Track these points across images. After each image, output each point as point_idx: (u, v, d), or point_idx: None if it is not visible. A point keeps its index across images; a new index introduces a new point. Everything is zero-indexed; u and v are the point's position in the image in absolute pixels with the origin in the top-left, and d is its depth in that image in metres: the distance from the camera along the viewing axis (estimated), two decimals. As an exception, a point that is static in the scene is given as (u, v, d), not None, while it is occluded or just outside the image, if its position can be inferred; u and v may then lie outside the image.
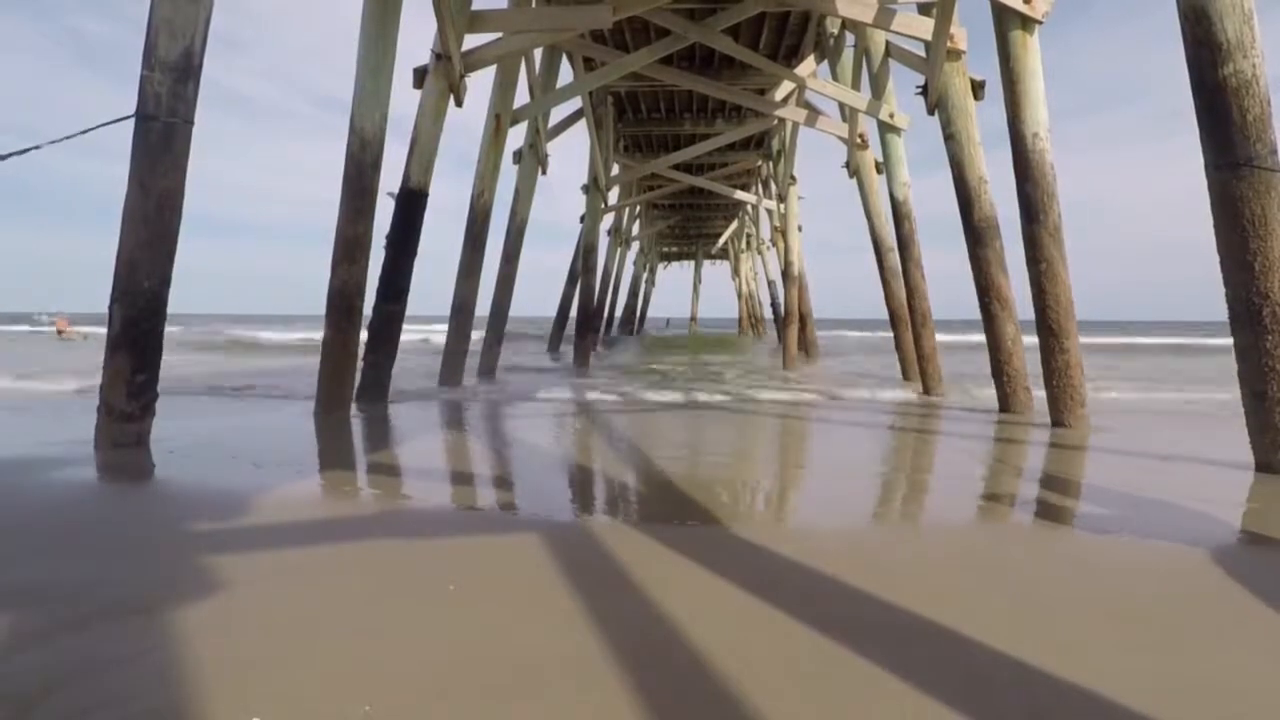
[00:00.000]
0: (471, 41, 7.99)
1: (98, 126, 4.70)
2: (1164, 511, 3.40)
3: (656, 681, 1.75)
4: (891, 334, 10.65)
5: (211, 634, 1.99)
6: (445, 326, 9.72)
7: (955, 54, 7.08)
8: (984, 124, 7.16)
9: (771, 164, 17.82)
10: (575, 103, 12.42)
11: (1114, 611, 2.22)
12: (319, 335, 6.89)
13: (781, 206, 16.06)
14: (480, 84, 9.07)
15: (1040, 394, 6.34)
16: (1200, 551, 2.80)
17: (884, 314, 10.53)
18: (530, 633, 2.04)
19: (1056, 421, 5.95)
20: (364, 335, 7.08)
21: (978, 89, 7.15)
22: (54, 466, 4.19)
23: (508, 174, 10.79)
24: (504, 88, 9.36)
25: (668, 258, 42.82)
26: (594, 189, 13.77)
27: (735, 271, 37.88)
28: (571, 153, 14.74)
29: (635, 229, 26.79)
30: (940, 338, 9.64)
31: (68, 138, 4.66)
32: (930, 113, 7.41)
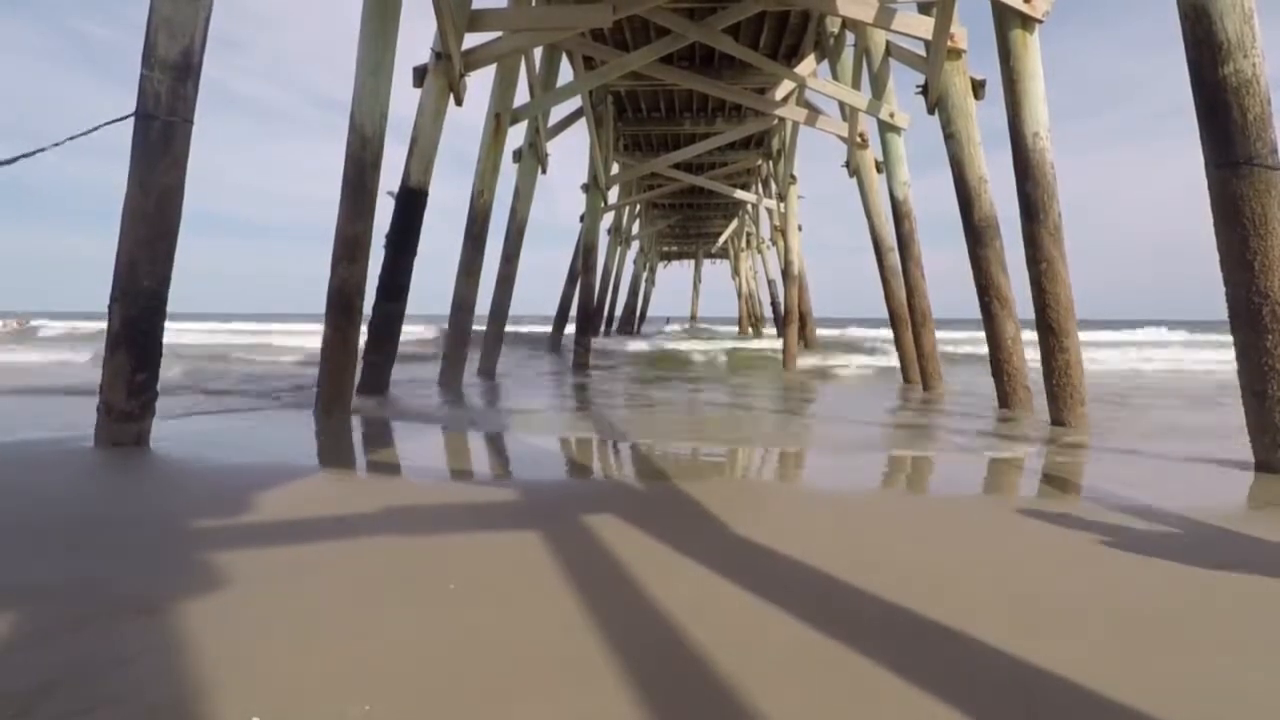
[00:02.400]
0: (471, 41, 8.00)
1: (99, 126, 4.70)
2: (1161, 510, 3.40)
3: (655, 676, 1.75)
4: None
5: (212, 632, 1.99)
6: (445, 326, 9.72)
7: (955, 53, 7.08)
8: (984, 123, 7.17)
9: (771, 163, 17.82)
10: (575, 102, 12.42)
11: (1112, 609, 2.22)
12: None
13: (781, 206, 16.06)
14: (480, 83, 9.08)
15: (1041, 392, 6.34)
16: (1197, 550, 2.80)
17: (885, 313, 10.54)
18: (530, 629, 2.04)
19: (1056, 420, 5.95)
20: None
21: (978, 88, 7.16)
22: (54, 465, 4.19)
23: (508, 173, 10.81)
24: (504, 86, 9.36)
25: (668, 257, 42.82)
26: (594, 188, 13.77)
27: (735, 270, 37.87)
28: (572, 152, 14.75)
29: (635, 228, 26.78)
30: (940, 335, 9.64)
31: (71, 139, 4.66)
32: (930, 112, 7.41)
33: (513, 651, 1.92)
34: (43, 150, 4.56)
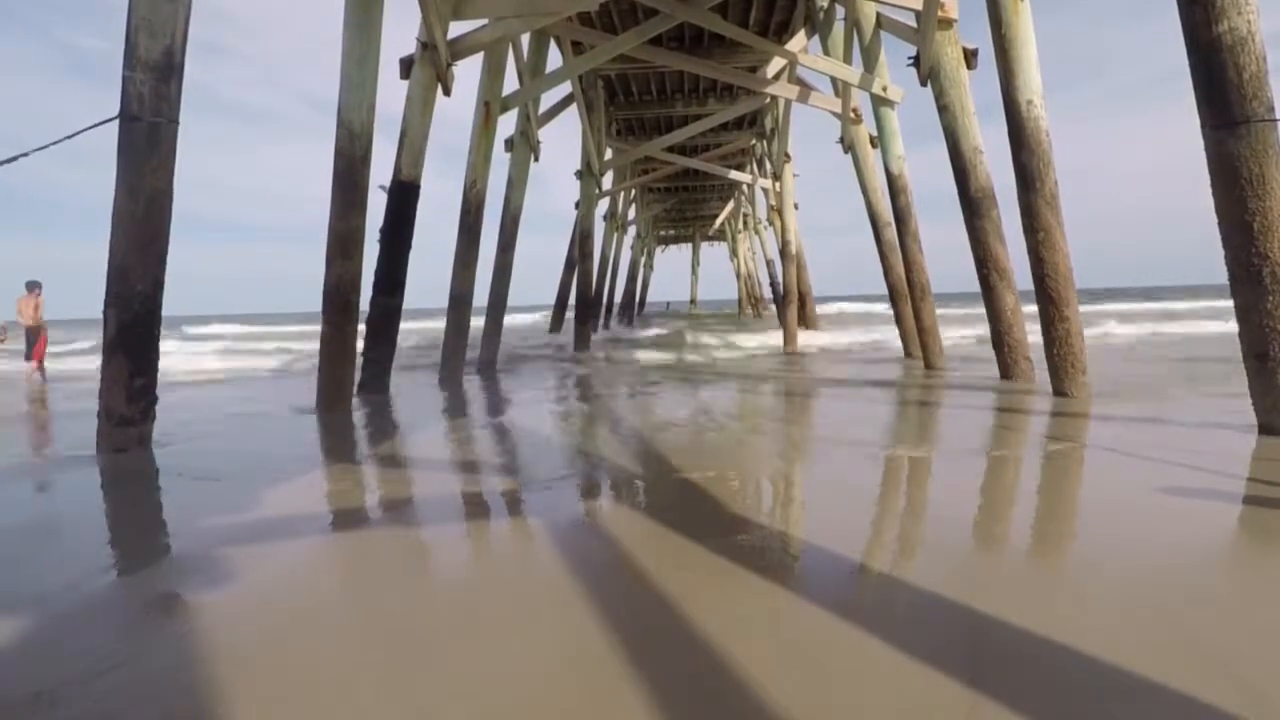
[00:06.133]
0: (457, 30, 7.91)
1: (83, 130, 4.66)
2: (1167, 475, 3.39)
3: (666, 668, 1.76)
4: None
5: (219, 635, 1.99)
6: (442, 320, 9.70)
7: (946, 23, 6.98)
8: (977, 94, 7.08)
9: (765, 142, 17.69)
10: (565, 88, 12.31)
11: (1119, 579, 2.21)
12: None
13: (777, 185, 15.95)
14: (469, 72, 9.00)
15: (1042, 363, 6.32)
16: (1203, 513, 2.80)
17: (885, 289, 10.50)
18: (539, 625, 2.04)
19: (1058, 390, 5.93)
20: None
21: (970, 58, 7.06)
22: (58, 472, 4.21)
23: (500, 163, 10.75)
24: (492, 75, 9.26)
25: (665, 241, 42.67)
26: (588, 174, 13.69)
27: (733, 252, 37.76)
28: (565, 139, 14.66)
29: (631, 213, 26.65)
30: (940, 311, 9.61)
31: (55, 143, 4.62)
32: (923, 84, 7.32)
33: (517, 641, 1.92)
34: (26, 155, 4.52)
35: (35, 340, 10.81)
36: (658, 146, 15.36)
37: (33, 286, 10.68)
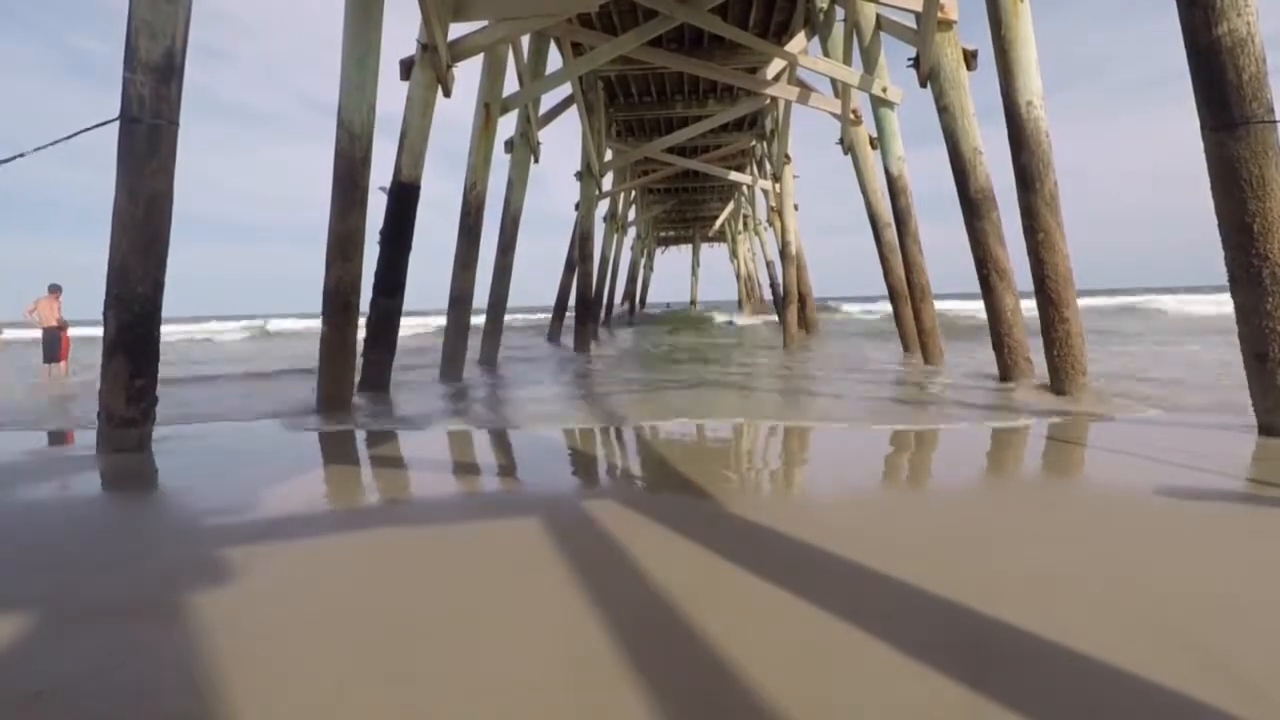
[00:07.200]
0: (458, 31, 7.92)
1: (82, 131, 4.66)
2: (1167, 475, 3.39)
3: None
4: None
5: (219, 635, 1.99)
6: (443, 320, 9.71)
7: (946, 24, 6.98)
8: (977, 95, 7.09)
9: (765, 143, 17.71)
10: (565, 89, 12.33)
11: (1118, 579, 2.21)
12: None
13: (777, 186, 15.97)
14: (469, 74, 9.02)
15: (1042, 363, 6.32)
16: (1201, 511, 2.80)
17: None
18: (539, 624, 2.04)
19: (1059, 391, 5.93)
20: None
21: (970, 59, 7.07)
22: (60, 473, 4.21)
23: (500, 164, 10.77)
24: (492, 76, 9.28)
25: (665, 242, 42.71)
26: (587, 175, 13.69)
27: (733, 253, 37.79)
28: (565, 140, 14.68)
29: (631, 214, 26.66)
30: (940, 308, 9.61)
31: (53, 144, 4.62)
32: (923, 85, 7.32)
33: (516, 636, 1.92)
34: (23, 155, 4.52)
35: (57, 341, 10.88)
36: (658, 148, 15.37)
37: (54, 289, 10.80)
